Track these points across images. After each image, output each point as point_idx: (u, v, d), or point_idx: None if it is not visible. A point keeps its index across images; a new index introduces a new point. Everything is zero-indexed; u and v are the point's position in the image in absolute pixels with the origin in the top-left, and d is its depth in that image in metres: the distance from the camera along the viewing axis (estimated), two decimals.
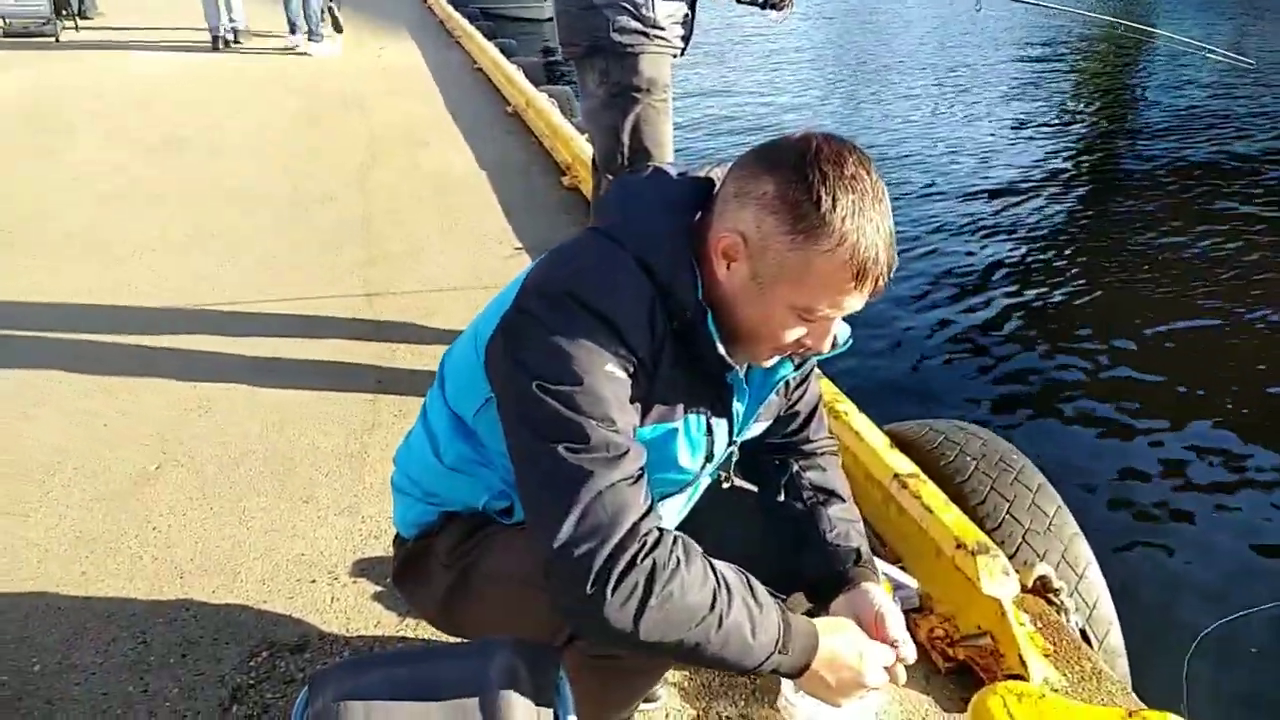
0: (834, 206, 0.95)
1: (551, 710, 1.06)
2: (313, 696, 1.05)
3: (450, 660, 1.08)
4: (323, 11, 8.02)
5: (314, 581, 1.88)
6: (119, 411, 2.49)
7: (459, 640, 1.35)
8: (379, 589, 1.85)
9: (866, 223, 0.96)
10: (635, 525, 0.95)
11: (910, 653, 1.14)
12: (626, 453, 0.98)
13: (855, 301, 1.02)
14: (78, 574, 1.90)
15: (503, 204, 4.32)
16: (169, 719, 1.56)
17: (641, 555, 0.94)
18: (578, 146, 4.64)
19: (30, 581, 1.87)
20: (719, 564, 1.01)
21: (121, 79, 6.86)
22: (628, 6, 2.29)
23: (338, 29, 9.10)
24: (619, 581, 0.92)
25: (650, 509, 0.99)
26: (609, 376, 0.99)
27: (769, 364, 1.14)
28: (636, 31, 2.32)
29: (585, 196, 4.33)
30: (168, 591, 1.84)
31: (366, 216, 4.11)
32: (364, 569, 1.92)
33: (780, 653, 1.01)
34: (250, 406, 2.53)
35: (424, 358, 2.82)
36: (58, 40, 8.08)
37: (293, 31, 7.99)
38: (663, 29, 2.35)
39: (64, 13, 8.36)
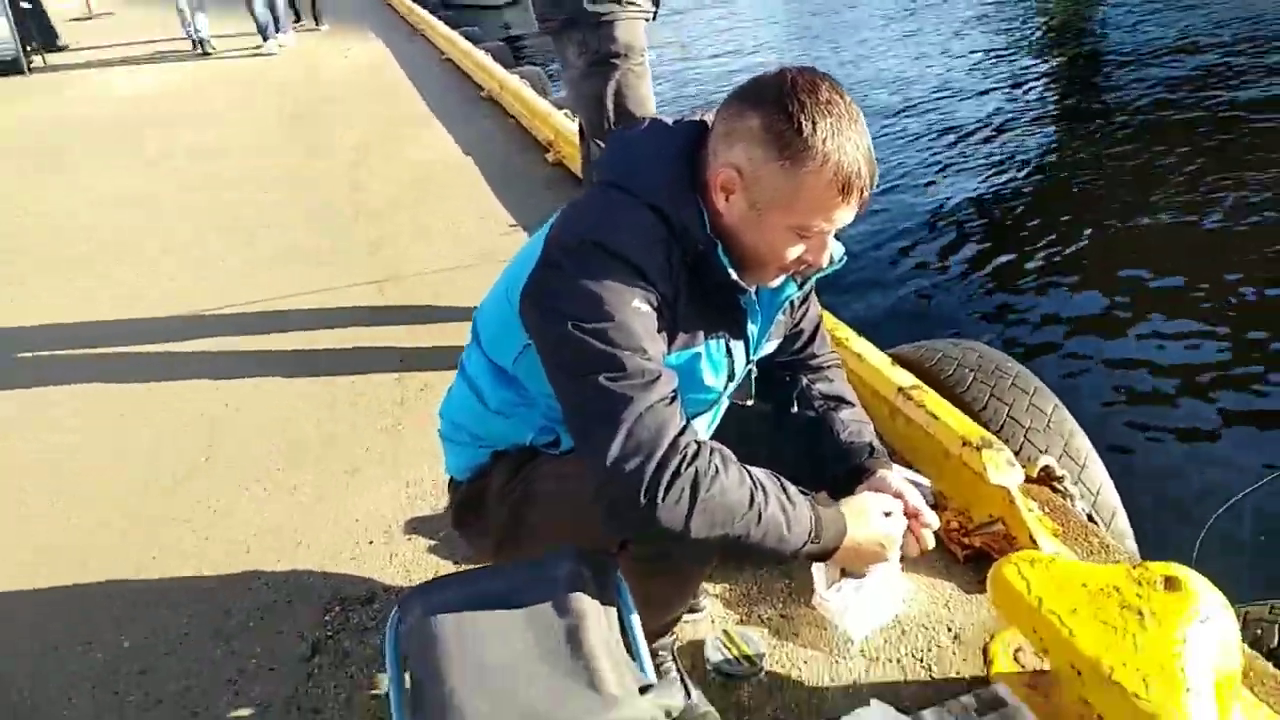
0: (814, 130, 1.06)
1: (615, 608, 1.20)
2: (403, 615, 1.18)
3: (522, 572, 1.21)
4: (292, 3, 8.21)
5: (371, 543, 2.02)
6: (161, 410, 2.62)
7: None
8: (433, 543, 1.99)
9: (846, 141, 1.07)
10: (675, 440, 1.07)
11: (932, 519, 1.27)
12: (659, 376, 1.09)
13: (845, 214, 1.12)
14: (149, 558, 2.03)
15: (491, 185, 4.42)
16: (257, 674, 1.69)
17: (684, 465, 1.05)
18: (557, 122, 4.72)
19: (106, 569, 2.01)
20: (753, 469, 1.13)
21: (103, 100, 6.93)
22: None
23: (318, 22, 9.32)
24: (667, 490, 1.04)
25: (687, 425, 1.10)
26: (636, 312, 1.10)
27: (775, 284, 1.25)
28: (609, 0, 2.41)
29: (571, 171, 4.43)
30: (237, 565, 1.98)
31: (363, 209, 4.22)
32: (415, 527, 2.05)
33: (813, 542, 1.14)
34: (284, 396, 2.66)
35: (440, 334, 2.94)
36: (28, 73, 8.11)
37: (265, 38, 8.10)
38: None
39: (30, 46, 8.38)
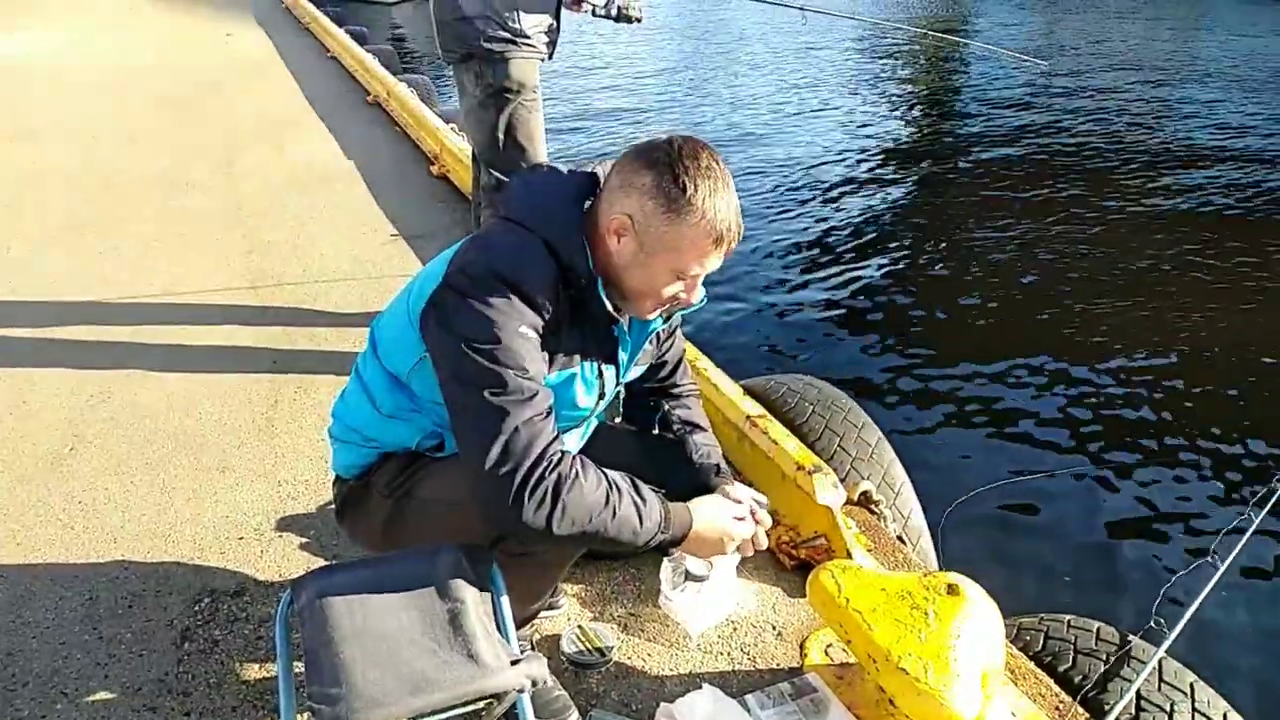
0: (696, 190, 1.29)
1: (490, 594, 1.37)
2: (295, 597, 1.31)
3: (407, 561, 1.37)
4: None
5: (242, 538, 2.08)
6: (20, 401, 2.58)
7: None
8: (305, 540, 2.08)
9: (720, 201, 1.31)
10: (545, 450, 1.25)
11: (766, 519, 1.51)
12: (536, 394, 1.28)
13: (715, 261, 1.36)
14: (14, 545, 2.03)
15: (374, 192, 4.47)
16: (128, 659, 1.74)
17: (549, 471, 1.24)
18: (444, 136, 4.82)
19: None
20: (610, 472, 1.33)
21: None
22: (495, 19, 2.56)
23: None
24: (533, 492, 1.23)
25: (556, 437, 1.29)
26: (522, 336, 1.29)
27: (651, 316, 1.45)
28: (505, 40, 2.59)
29: (454, 185, 4.54)
30: (104, 554, 2.01)
31: (239, 205, 4.18)
32: (288, 525, 2.13)
33: (663, 532, 1.35)
34: (152, 390, 2.66)
35: (315, 339, 3.00)
36: None
37: None
38: (529, 37, 2.62)
39: None
